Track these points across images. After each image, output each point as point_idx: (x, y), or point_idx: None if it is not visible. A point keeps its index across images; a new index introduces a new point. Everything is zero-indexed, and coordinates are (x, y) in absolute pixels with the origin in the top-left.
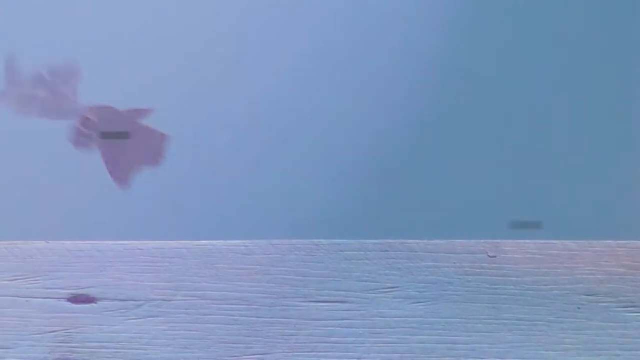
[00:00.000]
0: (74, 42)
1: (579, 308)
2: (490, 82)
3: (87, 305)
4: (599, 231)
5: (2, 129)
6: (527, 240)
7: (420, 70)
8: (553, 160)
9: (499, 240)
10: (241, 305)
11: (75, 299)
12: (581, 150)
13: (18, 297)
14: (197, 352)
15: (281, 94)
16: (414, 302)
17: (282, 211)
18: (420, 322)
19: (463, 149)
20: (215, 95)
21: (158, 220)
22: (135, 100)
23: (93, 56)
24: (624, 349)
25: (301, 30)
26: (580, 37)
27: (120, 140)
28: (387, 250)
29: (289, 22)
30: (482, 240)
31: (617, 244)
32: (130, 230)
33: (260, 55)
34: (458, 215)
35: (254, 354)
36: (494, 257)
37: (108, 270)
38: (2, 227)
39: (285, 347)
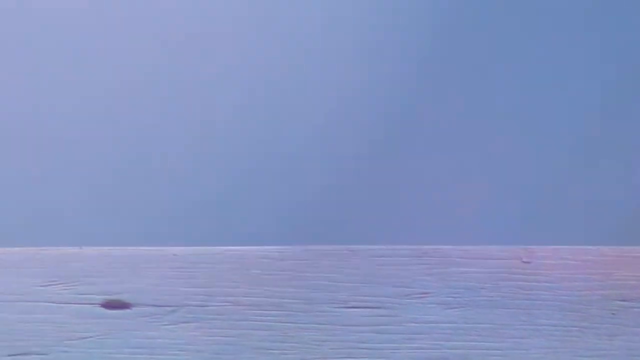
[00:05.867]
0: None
1: (613, 314)
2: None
3: (121, 311)
4: (634, 237)
5: (36, 135)
6: (562, 246)
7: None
8: (587, 165)
9: (533, 246)
10: (275, 311)
11: (110, 304)
12: (615, 156)
13: (52, 302)
14: (231, 358)
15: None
16: (447, 308)
17: (316, 216)
18: (454, 327)
19: (493, 155)
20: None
21: (193, 226)
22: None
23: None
24: None
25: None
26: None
27: None
28: (421, 256)
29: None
30: (516, 246)
31: None
32: (164, 236)
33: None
34: (492, 220)
35: None
36: (528, 262)
37: (143, 276)
38: (36, 233)
39: (319, 352)
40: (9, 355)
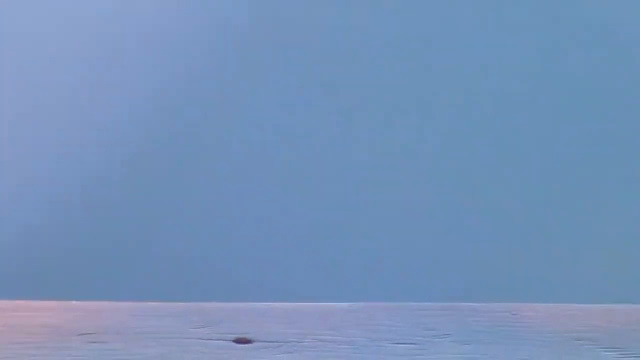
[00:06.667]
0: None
1: (571, 348)
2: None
3: (246, 345)
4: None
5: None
6: (540, 303)
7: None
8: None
9: (520, 303)
10: (348, 346)
11: (239, 340)
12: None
13: (200, 339)
14: None
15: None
16: (464, 344)
17: (380, 278)
18: (467, 357)
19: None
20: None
21: (294, 287)
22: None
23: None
24: None
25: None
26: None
27: None
28: (447, 309)
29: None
30: (506, 303)
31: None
32: (277, 293)
33: None
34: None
35: None
36: (516, 314)
37: (261, 321)
38: (187, 289)
39: None
40: None
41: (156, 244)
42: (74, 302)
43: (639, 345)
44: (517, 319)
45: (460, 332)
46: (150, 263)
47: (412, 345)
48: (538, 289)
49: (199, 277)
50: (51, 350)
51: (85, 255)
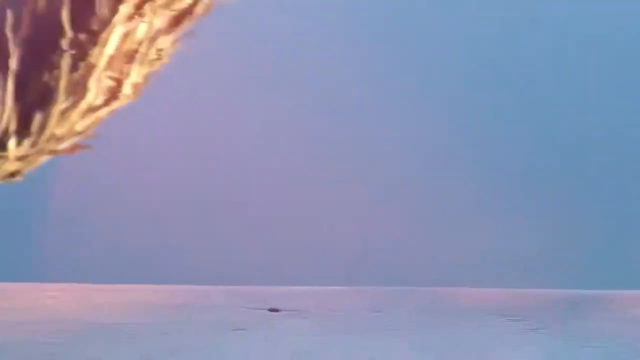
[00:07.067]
0: None
1: (485, 324)
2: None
3: (276, 313)
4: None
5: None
6: (466, 288)
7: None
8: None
9: (454, 287)
10: (343, 314)
11: (272, 310)
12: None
13: (245, 308)
14: (325, 338)
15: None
16: (413, 313)
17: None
18: (416, 322)
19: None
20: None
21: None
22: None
23: None
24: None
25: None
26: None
27: None
28: (408, 293)
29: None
30: (445, 287)
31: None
32: (296, 278)
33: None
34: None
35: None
36: (451, 295)
37: (286, 298)
38: (237, 276)
39: (363, 327)
40: (232, 330)
41: (218, 246)
42: (160, 285)
43: (531, 314)
44: (451, 298)
45: (413, 306)
46: (216, 259)
47: (381, 313)
48: (466, 276)
49: (247, 268)
50: (143, 317)
51: (175, 251)
